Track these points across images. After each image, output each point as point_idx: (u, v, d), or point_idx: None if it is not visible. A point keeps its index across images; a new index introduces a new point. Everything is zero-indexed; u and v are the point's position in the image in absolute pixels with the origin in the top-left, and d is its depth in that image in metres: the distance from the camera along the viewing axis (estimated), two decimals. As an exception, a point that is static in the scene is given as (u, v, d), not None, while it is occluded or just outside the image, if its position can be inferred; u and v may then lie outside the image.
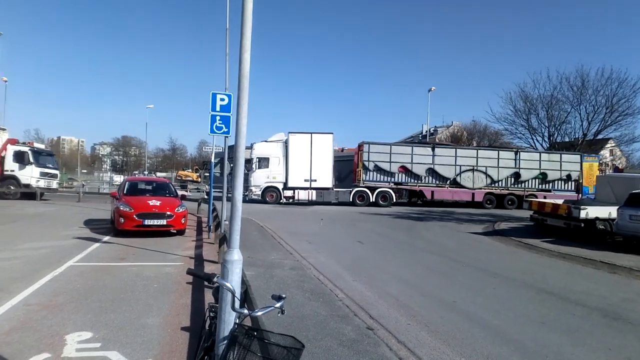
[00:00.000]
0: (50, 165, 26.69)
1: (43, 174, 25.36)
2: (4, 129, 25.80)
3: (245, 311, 2.68)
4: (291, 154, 26.98)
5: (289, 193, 27.24)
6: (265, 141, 27.67)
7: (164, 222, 12.02)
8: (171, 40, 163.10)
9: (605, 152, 42.19)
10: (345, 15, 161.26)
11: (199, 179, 55.92)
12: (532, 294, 7.81)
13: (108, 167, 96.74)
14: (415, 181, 28.40)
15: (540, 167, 29.15)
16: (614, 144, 41.69)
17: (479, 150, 30.03)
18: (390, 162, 27.91)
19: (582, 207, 14.09)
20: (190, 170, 68.71)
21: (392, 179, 28.22)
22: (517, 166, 28.97)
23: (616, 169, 34.07)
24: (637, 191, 12.95)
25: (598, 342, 5.46)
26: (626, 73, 42.25)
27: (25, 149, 24.95)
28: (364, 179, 27.79)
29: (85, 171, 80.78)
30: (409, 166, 28.09)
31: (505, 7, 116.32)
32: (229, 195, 14.73)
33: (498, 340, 5.35)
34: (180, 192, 16.26)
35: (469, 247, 13.29)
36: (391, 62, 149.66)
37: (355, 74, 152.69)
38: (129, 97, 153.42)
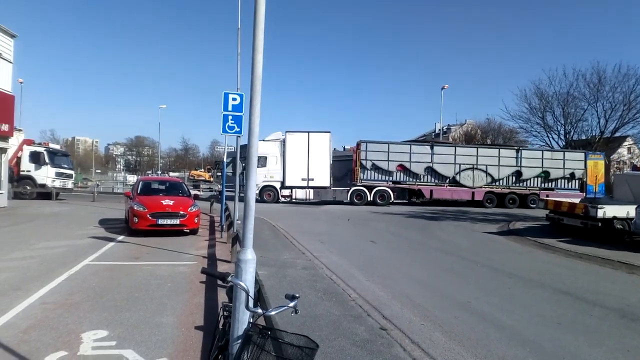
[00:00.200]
0: (66, 166, 27.11)
1: (58, 174, 25.77)
2: (20, 130, 26.27)
3: (259, 310, 2.67)
4: (288, 152, 26.98)
5: (286, 192, 27.30)
6: (263, 140, 27.58)
7: (177, 221, 12.11)
8: (183, 40, 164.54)
9: (623, 150, 41.43)
10: (353, 15, 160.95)
11: (211, 179, 56.32)
12: (549, 295, 7.69)
13: (122, 167, 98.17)
14: (414, 180, 28.20)
15: (542, 165, 28.72)
16: (632, 142, 40.83)
17: (479, 149, 29.77)
18: (388, 160, 27.75)
19: (599, 206, 13.83)
20: (202, 170, 69.28)
21: (390, 178, 28.06)
22: (519, 164, 28.58)
23: (634, 167, 33.41)
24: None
25: (616, 344, 5.35)
26: (644, 69, 41.37)
27: (41, 149, 25.38)
28: (361, 177, 27.70)
29: (99, 171, 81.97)
30: (407, 165, 27.90)
31: (520, 4, 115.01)
32: (241, 194, 14.87)
33: (513, 341, 5.27)
34: (192, 192, 16.38)
35: (484, 247, 13.15)
36: (403, 61, 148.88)
37: (363, 74, 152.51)
38: (142, 97, 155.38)
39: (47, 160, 25.03)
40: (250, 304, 2.66)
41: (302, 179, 27.12)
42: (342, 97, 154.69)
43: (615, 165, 36.81)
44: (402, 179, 28.19)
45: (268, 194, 27.18)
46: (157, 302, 6.15)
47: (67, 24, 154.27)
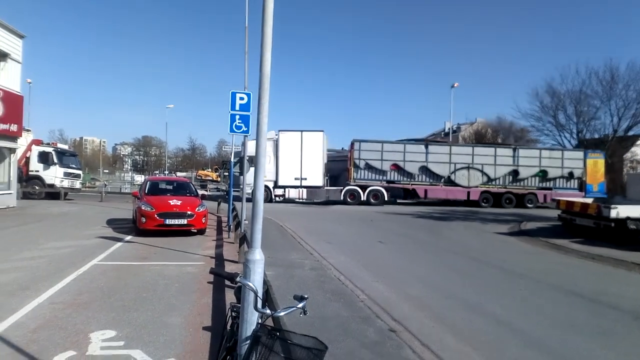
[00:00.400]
0: (74, 166, 27.32)
1: (66, 174, 25.97)
2: (28, 130, 26.49)
3: (268, 311, 2.65)
4: (281, 152, 26.94)
5: (279, 191, 27.29)
6: (254, 139, 27.54)
7: (184, 221, 12.11)
8: (191, 40, 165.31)
9: (636, 149, 40.80)
10: (354, 16, 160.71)
11: (219, 179, 56.49)
12: (561, 296, 7.56)
13: (129, 167, 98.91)
14: (408, 179, 28.02)
15: (540, 164, 28.37)
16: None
17: (474, 148, 29.56)
18: (381, 160, 27.61)
19: (612, 206, 13.58)
20: (209, 169, 69.56)
21: (384, 178, 27.92)
22: (516, 163, 28.25)
23: None
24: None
25: (630, 346, 5.25)
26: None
27: (49, 149, 25.59)
28: (355, 177, 27.59)
29: (107, 171, 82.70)
30: (401, 164, 27.73)
31: (527, 1, 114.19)
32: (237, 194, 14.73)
33: (525, 344, 5.18)
34: (200, 192, 16.40)
35: (495, 248, 13.02)
36: (406, 61, 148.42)
37: (366, 74, 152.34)
38: (150, 97, 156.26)
39: (55, 160, 25.23)
40: (259, 304, 2.63)
41: (295, 179, 27.10)
42: (343, 97, 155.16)
43: (629, 165, 36.27)
44: (396, 179, 28.06)
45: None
46: (165, 303, 6.13)
47: (75, 24, 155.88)
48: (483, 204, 28.07)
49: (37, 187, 24.69)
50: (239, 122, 10.92)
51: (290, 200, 27.58)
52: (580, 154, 29.18)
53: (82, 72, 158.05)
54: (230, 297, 5.94)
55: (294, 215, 20.41)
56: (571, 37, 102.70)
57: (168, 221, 11.90)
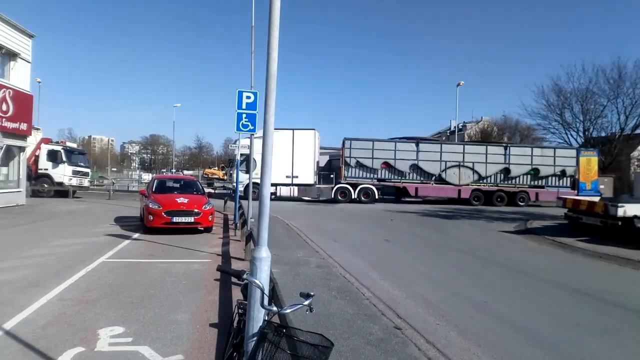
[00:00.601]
0: (82, 164, 27.52)
1: (75, 172, 26.17)
2: (38, 129, 26.76)
3: (275, 308, 2.66)
4: (273, 150, 26.87)
5: (271, 189, 27.15)
6: (248, 137, 27.57)
7: (191, 219, 12.19)
8: (198, 39, 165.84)
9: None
10: (356, 16, 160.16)
11: (225, 177, 56.62)
12: (567, 295, 7.55)
13: (137, 165, 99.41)
14: (399, 178, 28.02)
15: (532, 162, 28.23)
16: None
17: (465, 146, 29.56)
18: (372, 158, 27.63)
19: (619, 204, 13.49)
20: (216, 168, 69.72)
21: (375, 176, 27.95)
22: (507, 161, 28.15)
23: None
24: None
25: (636, 345, 5.23)
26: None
27: (58, 148, 25.82)
28: (346, 175, 27.65)
29: (115, 169, 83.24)
30: (392, 162, 27.73)
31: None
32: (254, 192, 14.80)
33: (531, 342, 5.18)
34: (206, 190, 16.48)
35: (501, 246, 12.99)
36: (418, 59, 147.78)
37: (368, 74, 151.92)
38: (157, 96, 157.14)
39: (64, 158, 25.43)
40: (265, 301, 2.66)
41: (287, 177, 27.12)
42: (344, 98, 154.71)
43: (636, 163, 35.90)
44: (387, 177, 28.06)
45: (253, 191, 27.26)
46: (172, 300, 6.19)
47: (84, 24, 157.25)
48: (474, 201, 28.02)
49: (46, 185, 24.93)
50: (245, 121, 11.03)
51: (282, 198, 27.53)
52: (572, 152, 29.07)
53: (91, 71, 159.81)
54: (236, 294, 5.98)
55: (299, 213, 20.46)
56: (578, 36, 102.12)
57: (175, 219, 11.98)
